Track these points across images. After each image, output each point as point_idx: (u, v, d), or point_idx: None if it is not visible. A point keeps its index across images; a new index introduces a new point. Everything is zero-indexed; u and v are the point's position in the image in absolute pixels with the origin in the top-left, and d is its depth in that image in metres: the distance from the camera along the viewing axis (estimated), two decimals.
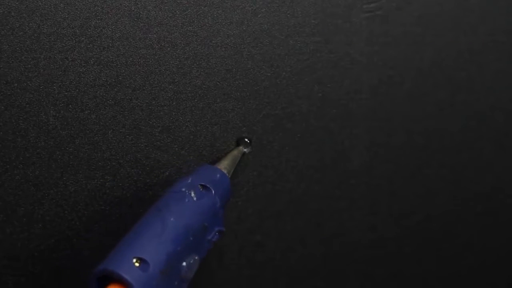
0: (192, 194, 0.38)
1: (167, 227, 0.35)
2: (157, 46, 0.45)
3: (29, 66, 0.43)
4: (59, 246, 0.44)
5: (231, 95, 0.46)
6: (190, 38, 0.45)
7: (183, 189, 0.38)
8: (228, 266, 0.48)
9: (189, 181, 0.39)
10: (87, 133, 0.44)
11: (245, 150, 0.46)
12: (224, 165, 0.43)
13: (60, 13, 0.43)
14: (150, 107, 0.45)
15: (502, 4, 0.52)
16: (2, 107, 0.42)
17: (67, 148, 0.44)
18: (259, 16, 0.47)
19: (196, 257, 0.36)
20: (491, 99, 0.52)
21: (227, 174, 0.42)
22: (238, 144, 0.47)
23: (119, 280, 0.31)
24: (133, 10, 0.44)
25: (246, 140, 0.47)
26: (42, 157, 0.43)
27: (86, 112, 0.44)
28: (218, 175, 0.41)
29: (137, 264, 0.32)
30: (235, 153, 0.45)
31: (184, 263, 0.35)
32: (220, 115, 0.46)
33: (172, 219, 0.36)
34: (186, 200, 0.37)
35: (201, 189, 0.39)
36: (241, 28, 0.46)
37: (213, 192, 0.39)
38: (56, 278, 0.44)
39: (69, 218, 0.44)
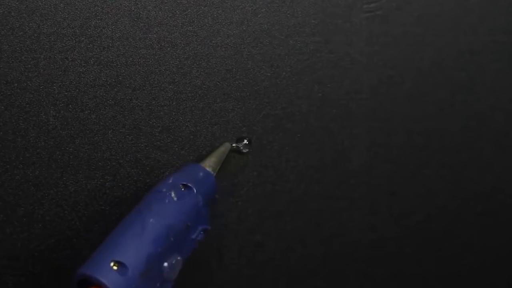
0: (173, 195, 0.38)
1: (146, 229, 0.35)
2: (157, 46, 0.45)
3: (29, 66, 0.43)
4: (59, 246, 0.44)
5: (231, 95, 0.46)
6: (190, 38, 0.45)
7: (163, 190, 0.38)
8: (228, 266, 0.48)
9: (170, 181, 0.39)
10: (87, 133, 0.44)
11: (234, 145, 0.46)
12: (209, 163, 0.43)
13: (60, 13, 0.43)
14: (150, 107, 0.45)
15: (502, 4, 0.52)
16: (2, 107, 0.42)
17: (67, 148, 0.44)
18: (259, 16, 0.47)
19: (179, 257, 0.36)
20: (491, 99, 0.52)
21: (212, 172, 0.42)
22: (237, 142, 0.46)
23: (98, 284, 0.32)
24: (133, 10, 0.44)
25: (246, 141, 0.47)
26: (42, 157, 0.43)
27: (86, 112, 0.44)
28: (201, 174, 0.41)
29: (115, 268, 0.32)
30: (222, 149, 0.45)
31: (165, 264, 0.35)
32: (220, 115, 0.46)
33: (151, 220, 0.35)
34: (166, 200, 0.37)
35: (182, 189, 0.39)
36: (241, 28, 0.46)
37: (195, 191, 0.39)
38: (56, 278, 0.44)
39: (69, 218, 0.44)
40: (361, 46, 0.49)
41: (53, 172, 0.43)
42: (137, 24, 0.44)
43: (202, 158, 0.46)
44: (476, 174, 0.53)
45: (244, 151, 0.47)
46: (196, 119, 0.46)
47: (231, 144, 0.46)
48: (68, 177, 0.44)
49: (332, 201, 0.50)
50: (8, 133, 0.43)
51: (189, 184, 0.39)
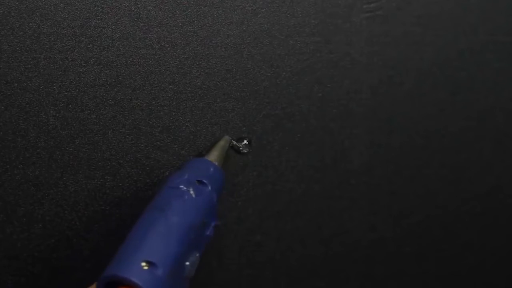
0: (191, 191, 0.38)
1: (171, 227, 0.35)
2: (157, 46, 0.45)
3: (29, 66, 0.43)
4: (59, 246, 0.44)
5: (231, 95, 0.46)
6: (190, 38, 0.45)
7: (181, 186, 0.38)
8: (228, 266, 0.48)
9: (186, 177, 0.39)
10: (87, 133, 0.44)
11: (234, 142, 0.46)
12: (215, 157, 0.43)
13: (60, 13, 0.43)
14: (150, 107, 0.45)
15: (502, 4, 0.52)
16: (2, 107, 0.42)
17: (67, 148, 0.44)
18: (259, 16, 0.47)
19: (197, 254, 0.36)
20: (491, 99, 0.52)
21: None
22: (237, 142, 0.46)
23: (129, 284, 0.31)
24: (133, 10, 0.44)
25: (246, 141, 0.47)
26: (42, 157, 0.43)
27: (86, 112, 0.44)
28: (212, 169, 0.41)
29: (146, 268, 0.32)
30: (223, 143, 0.45)
31: (187, 263, 0.35)
32: (220, 115, 0.46)
33: (175, 218, 0.35)
34: (186, 197, 0.37)
35: (198, 185, 0.39)
36: (241, 28, 0.46)
37: (210, 188, 0.39)
38: (56, 278, 0.44)
39: (69, 218, 0.44)
40: (361, 46, 0.49)
41: (53, 172, 0.43)
42: (137, 24, 0.44)
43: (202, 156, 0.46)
44: (476, 174, 0.53)
45: (244, 151, 0.47)
46: (196, 119, 0.46)
47: (231, 139, 0.46)
48: (68, 177, 0.44)
49: (332, 201, 0.50)
50: (8, 133, 0.43)
51: (204, 181, 0.39)
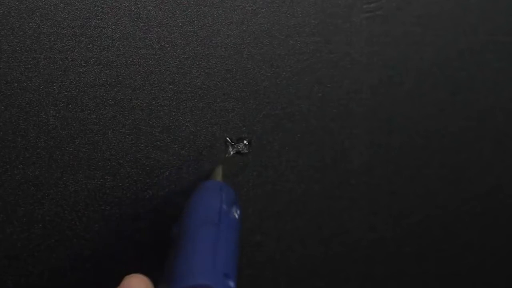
0: (234, 212, 0.39)
1: (229, 243, 0.36)
2: (157, 46, 0.45)
3: (29, 66, 0.43)
4: (59, 246, 0.44)
5: (231, 95, 0.46)
6: (190, 38, 0.45)
7: (224, 206, 0.38)
8: None
9: (223, 197, 0.39)
10: (87, 133, 0.44)
11: (233, 143, 0.46)
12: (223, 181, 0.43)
13: (60, 13, 0.43)
14: (150, 107, 0.45)
15: (502, 4, 0.52)
16: (2, 107, 0.42)
17: (67, 148, 0.44)
18: (259, 16, 0.47)
19: None
20: (491, 99, 0.52)
21: None
22: (237, 142, 0.47)
23: None
24: (133, 10, 0.44)
25: (245, 141, 0.47)
26: (42, 157, 0.43)
27: (86, 112, 0.44)
28: (233, 194, 0.41)
29: (226, 280, 0.33)
30: (219, 171, 0.45)
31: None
32: (220, 115, 0.46)
33: (229, 234, 0.36)
34: (231, 217, 0.38)
35: (234, 207, 0.40)
36: (241, 28, 0.46)
37: (239, 211, 0.40)
38: (56, 278, 0.44)
39: (69, 218, 0.44)
40: (361, 46, 0.49)
41: (53, 172, 0.43)
42: (137, 24, 0.44)
43: (202, 158, 0.46)
44: (476, 174, 0.53)
45: (244, 151, 0.47)
46: (196, 119, 0.46)
47: (222, 166, 0.46)
48: (68, 177, 0.44)
49: (332, 201, 0.50)
50: (8, 133, 0.43)
51: (236, 203, 0.40)
